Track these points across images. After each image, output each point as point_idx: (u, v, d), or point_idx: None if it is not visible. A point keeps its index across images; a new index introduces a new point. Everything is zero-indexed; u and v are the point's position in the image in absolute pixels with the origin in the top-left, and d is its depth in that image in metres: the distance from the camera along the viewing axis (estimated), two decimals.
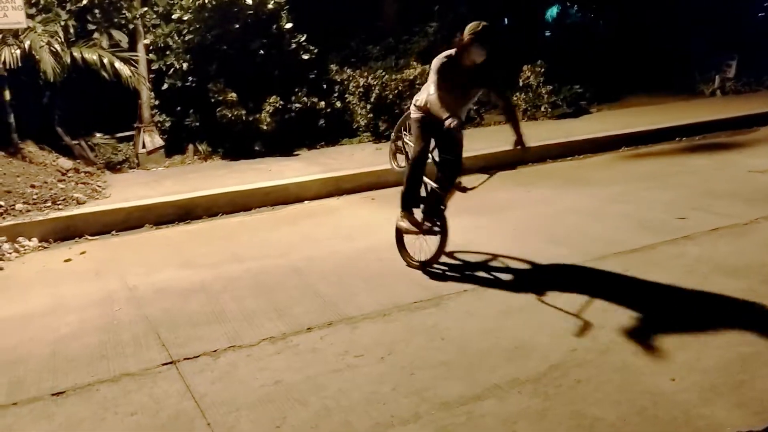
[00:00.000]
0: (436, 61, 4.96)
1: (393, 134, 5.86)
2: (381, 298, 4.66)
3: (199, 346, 4.11)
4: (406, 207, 5.24)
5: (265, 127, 9.71)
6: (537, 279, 4.90)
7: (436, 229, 5.17)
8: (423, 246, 5.25)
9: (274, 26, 10.29)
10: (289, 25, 10.39)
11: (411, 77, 10.67)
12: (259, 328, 4.33)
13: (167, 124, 10.21)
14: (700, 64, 13.73)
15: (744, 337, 3.76)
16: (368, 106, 10.39)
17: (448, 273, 5.12)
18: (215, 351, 4.03)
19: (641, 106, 12.29)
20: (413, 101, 5.27)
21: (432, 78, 4.91)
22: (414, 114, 5.20)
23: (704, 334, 3.83)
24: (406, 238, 5.40)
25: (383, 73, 10.65)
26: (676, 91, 13.44)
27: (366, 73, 10.71)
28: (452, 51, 4.99)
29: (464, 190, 5.21)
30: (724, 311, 4.14)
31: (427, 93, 4.94)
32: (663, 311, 4.20)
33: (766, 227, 5.67)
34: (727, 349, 3.63)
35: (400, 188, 5.25)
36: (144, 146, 9.69)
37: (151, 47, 10.18)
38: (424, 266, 5.21)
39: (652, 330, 3.93)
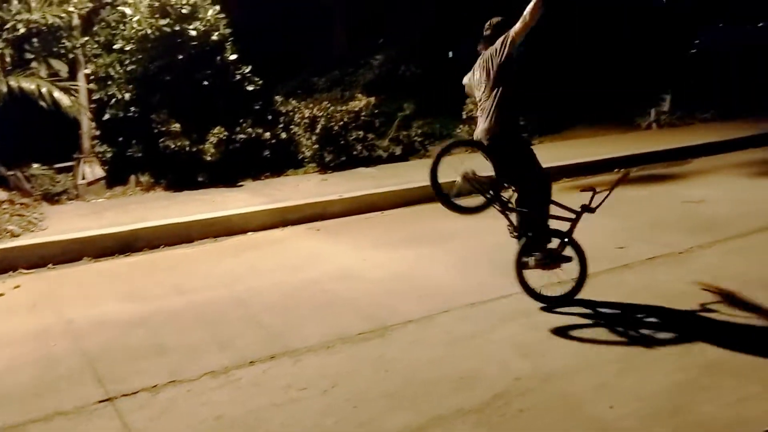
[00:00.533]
0: None
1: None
2: (326, 330, 4.62)
3: (137, 382, 3.99)
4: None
5: (209, 158, 9.62)
6: (483, 309, 4.93)
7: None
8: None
9: (219, 57, 10.26)
10: (233, 57, 10.37)
11: (357, 108, 10.76)
12: (201, 361, 4.23)
13: (109, 155, 10.01)
14: (637, 98, 14.21)
15: (682, 364, 3.85)
16: (314, 137, 10.40)
17: (393, 304, 5.11)
18: (155, 386, 3.92)
19: (582, 138, 12.63)
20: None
21: None
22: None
23: (644, 361, 3.91)
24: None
25: (329, 105, 10.70)
26: (615, 123, 13.86)
27: (312, 105, 10.75)
28: None
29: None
30: (662, 338, 4.23)
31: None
32: (603, 339, 4.27)
33: (701, 256, 5.86)
34: (666, 376, 3.71)
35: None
36: (84, 177, 9.47)
37: (92, 77, 10.02)
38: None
39: (593, 357, 3.99)
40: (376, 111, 11.44)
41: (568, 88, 15.96)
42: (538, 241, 4.88)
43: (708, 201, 7.83)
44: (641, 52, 17.01)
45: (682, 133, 12.81)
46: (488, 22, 5.04)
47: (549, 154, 10.65)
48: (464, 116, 11.77)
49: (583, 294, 5.06)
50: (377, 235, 7.29)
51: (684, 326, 4.38)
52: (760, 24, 19.74)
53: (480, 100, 4.96)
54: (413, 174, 9.66)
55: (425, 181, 8.93)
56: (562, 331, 4.40)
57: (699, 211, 7.42)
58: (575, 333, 4.37)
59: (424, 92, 13.58)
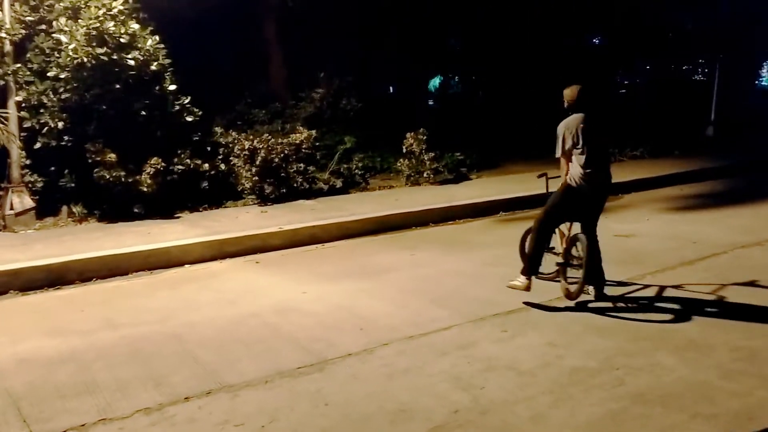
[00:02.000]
0: None
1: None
2: (264, 364, 4.56)
3: (65, 421, 3.84)
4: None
5: (145, 189, 9.43)
6: (422, 342, 4.95)
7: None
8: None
9: (158, 87, 10.13)
10: (172, 87, 10.25)
11: (297, 141, 10.76)
12: (134, 398, 4.11)
13: (39, 185, 9.70)
14: None
15: (614, 393, 3.94)
16: (254, 169, 10.33)
17: (332, 337, 5.08)
18: (83, 425, 3.78)
19: (518, 173, 12.89)
20: None
21: None
22: None
23: (578, 391, 3.99)
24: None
25: (269, 137, 10.67)
26: (550, 158, 14.18)
27: (252, 137, 10.70)
28: None
29: None
30: (596, 369, 4.33)
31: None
32: (540, 369, 4.34)
33: (631, 288, 6.04)
34: (599, 406, 3.80)
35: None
36: (12, 207, 9.13)
37: (23, 104, 9.74)
38: None
39: (530, 388, 4.06)
40: (317, 144, 11.47)
41: (506, 124, 16.44)
42: None
43: (638, 235, 8.10)
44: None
45: (613, 169, 13.14)
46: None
47: (488, 188, 10.90)
48: (404, 150, 11.91)
49: (519, 325, 5.17)
50: (317, 267, 7.26)
51: (615, 357, 4.49)
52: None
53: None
54: (354, 206, 9.71)
55: (366, 214, 9.09)
56: (500, 363, 4.46)
57: (629, 245, 7.66)
58: (513, 364, 4.43)
59: (365, 126, 13.72)
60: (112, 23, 9.42)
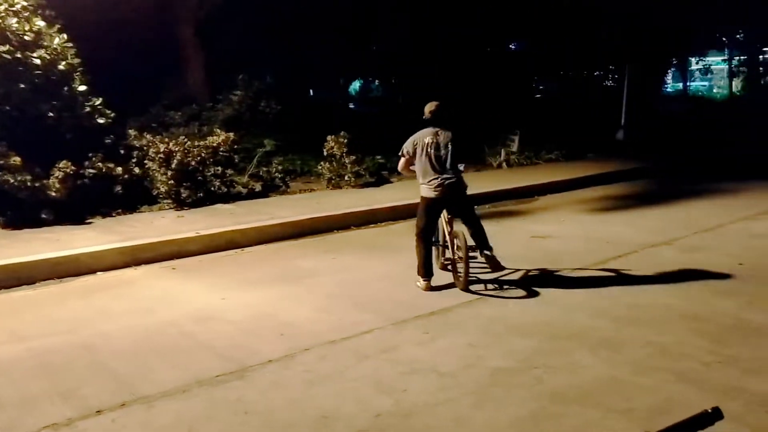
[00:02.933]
0: None
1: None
2: (181, 374, 4.42)
3: None
4: None
5: (54, 194, 9.03)
6: (343, 346, 4.91)
7: None
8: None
9: (67, 88, 9.74)
10: (83, 88, 9.88)
11: (215, 144, 10.55)
12: (41, 414, 3.90)
13: None
14: (488, 138, 14.93)
15: (533, 393, 4.01)
16: (170, 173, 10.05)
17: (253, 344, 4.98)
18: None
19: None
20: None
21: None
22: None
23: (499, 392, 4.04)
24: None
25: (186, 140, 10.41)
26: (468, 162, 14.43)
27: (167, 139, 10.42)
28: None
29: None
30: (516, 368, 4.39)
31: None
32: (461, 371, 4.37)
33: (548, 288, 6.18)
34: (520, 406, 3.85)
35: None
36: None
37: None
38: None
39: (452, 390, 4.08)
40: (236, 147, 11.28)
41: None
42: None
43: (554, 236, 8.31)
44: (492, 98, 18.02)
45: (530, 172, 13.60)
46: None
47: (409, 191, 10.94)
48: (325, 153, 11.85)
49: (440, 327, 5.20)
50: (237, 273, 7.12)
51: (534, 356, 4.57)
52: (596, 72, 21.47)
53: None
54: (274, 210, 9.59)
55: (287, 217, 8.98)
56: (422, 365, 4.46)
57: (546, 246, 7.85)
58: (435, 366, 4.44)
59: (286, 129, 13.59)
60: (15, 20, 9.01)
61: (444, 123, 6.39)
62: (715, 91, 37.81)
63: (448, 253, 6.38)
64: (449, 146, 6.25)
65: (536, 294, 5.99)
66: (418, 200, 10.11)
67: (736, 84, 31.09)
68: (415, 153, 6.31)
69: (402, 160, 6.51)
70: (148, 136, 10.64)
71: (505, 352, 4.66)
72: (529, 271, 6.71)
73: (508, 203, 10.89)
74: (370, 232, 9.16)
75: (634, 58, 18.65)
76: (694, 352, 4.55)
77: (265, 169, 11.67)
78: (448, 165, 6.23)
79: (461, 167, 6.33)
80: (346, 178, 11.77)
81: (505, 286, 6.21)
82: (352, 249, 8.07)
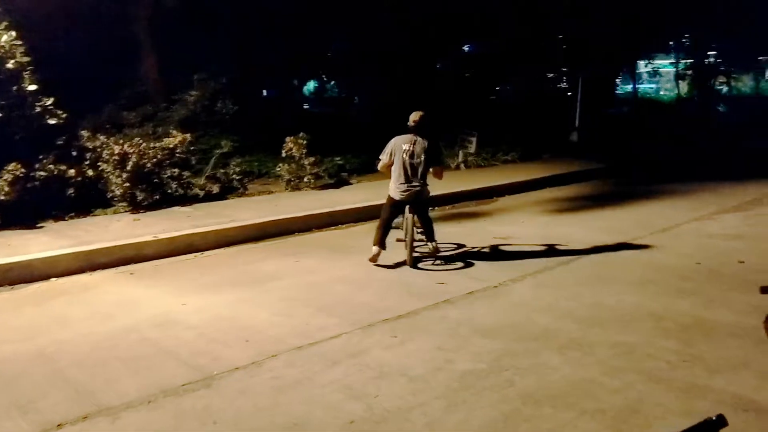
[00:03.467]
0: None
1: None
2: (145, 383, 4.29)
3: None
4: None
5: (3, 197, 8.72)
6: (311, 351, 4.84)
7: None
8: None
9: (15, 87, 9.42)
10: (33, 87, 9.57)
11: (171, 145, 10.34)
12: None
13: None
14: (448, 140, 14.98)
15: (504, 395, 4.01)
16: (125, 175, 9.81)
17: (218, 350, 4.87)
18: None
19: None
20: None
21: None
22: None
23: (469, 395, 4.03)
24: None
25: (141, 141, 10.17)
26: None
27: (122, 141, 10.17)
28: None
29: None
30: (485, 370, 4.39)
31: None
32: (431, 374, 4.35)
33: (514, 289, 6.22)
34: (491, 408, 3.85)
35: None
36: None
37: None
38: None
39: (423, 394, 4.05)
40: (192, 148, 11.08)
41: (384, 128, 16.56)
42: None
43: (515, 237, 8.37)
44: (449, 100, 18.13)
45: (488, 173, 13.69)
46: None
47: (370, 192, 10.92)
48: (284, 155, 11.72)
49: (408, 330, 5.18)
50: (197, 277, 6.97)
51: (503, 358, 4.58)
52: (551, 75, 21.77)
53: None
54: (233, 212, 9.44)
55: (246, 220, 8.87)
56: (392, 370, 4.43)
57: (508, 247, 7.90)
58: (404, 370, 4.41)
59: (243, 129, 13.41)
60: None
61: (424, 132, 7.16)
62: (662, 93, 38.76)
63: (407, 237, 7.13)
64: (423, 156, 7.07)
65: (500, 296, 6.01)
66: (379, 202, 10.14)
67: (683, 86, 31.91)
68: (393, 156, 7.17)
69: (381, 162, 7.30)
70: (101, 137, 10.36)
71: (474, 355, 4.66)
72: (492, 272, 6.74)
73: (468, 204, 10.95)
74: (331, 234, 9.09)
75: (587, 61, 18.98)
76: (660, 352, 4.62)
77: (222, 170, 11.49)
78: (418, 174, 7.08)
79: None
80: (305, 179, 11.67)
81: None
82: (313, 251, 7.99)
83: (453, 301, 5.86)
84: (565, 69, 23.35)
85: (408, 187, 7.06)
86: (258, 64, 17.41)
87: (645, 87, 38.62)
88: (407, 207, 7.12)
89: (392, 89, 19.46)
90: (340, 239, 8.72)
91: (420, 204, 7.18)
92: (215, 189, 10.93)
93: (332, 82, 25.22)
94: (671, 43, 28.60)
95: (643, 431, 3.58)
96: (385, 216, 7.24)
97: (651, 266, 6.88)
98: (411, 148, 7.10)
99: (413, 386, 4.18)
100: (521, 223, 9.33)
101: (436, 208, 10.54)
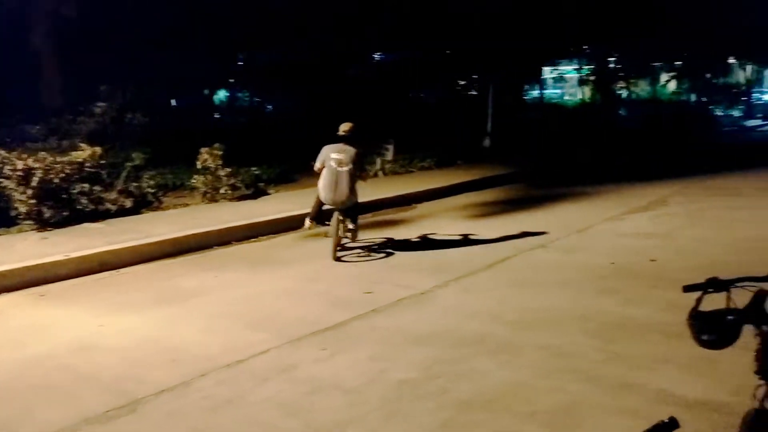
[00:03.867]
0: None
1: None
2: (67, 412, 4.06)
3: None
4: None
5: None
6: (241, 369, 4.71)
7: None
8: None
9: None
10: None
11: (80, 159, 9.89)
12: None
13: None
14: (363, 147, 15.00)
15: (440, 402, 4.02)
16: (30, 192, 9.29)
17: (142, 373, 4.67)
18: None
19: (315, 187, 12.93)
20: None
21: None
22: None
23: (406, 405, 4.02)
24: None
25: (46, 155, 9.69)
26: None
27: (26, 155, 9.64)
28: None
29: None
30: (420, 379, 4.39)
31: None
32: (366, 386, 4.31)
33: (440, 295, 6.27)
34: (429, 417, 3.85)
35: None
36: None
37: None
38: None
39: (360, 407, 4.01)
40: (103, 161, 10.64)
41: (299, 138, 16.54)
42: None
43: (438, 244, 8.45)
44: (364, 107, 18.20)
45: (406, 180, 13.80)
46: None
47: (288, 202, 10.79)
48: (199, 166, 11.43)
49: (338, 342, 5.13)
50: (114, 297, 6.67)
51: (436, 365, 4.60)
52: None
53: None
54: (148, 228, 9.11)
55: (162, 235, 8.60)
56: (325, 383, 4.37)
57: (431, 253, 7.97)
58: (338, 383, 4.36)
59: (154, 141, 13.01)
60: None
61: (353, 141, 7.89)
62: (566, 98, 40.18)
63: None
64: (349, 165, 7.71)
65: (429, 302, 6.05)
66: (298, 212, 10.08)
67: (586, 91, 33.13)
68: (324, 163, 7.81)
69: (316, 167, 7.94)
70: (2, 152, 9.80)
71: (407, 364, 4.66)
72: (420, 278, 6.77)
73: (388, 212, 10.99)
74: (251, 246, 8.91)
75: (496, 68, 19.46)
76: (587, 351, 4.75)
77: (135, 184, 11.07)
78: (344, 183, 7.69)
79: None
80: (222, 191, 11.41)
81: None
82: (234, 265, 7.82)
83: (381, 310, 5.85)
84: (475, 76, 23.87)
85: (334, 196, 7.69)
86: (165, 74, 16.94)
87: (550, 92, 39.94)
88: (335, 213, 7.76)
89: (305, 97, 19.39)
90: (262, 251, 8.57)
91: (347, 209, 7.81)
92: (128, 203, 10.52)
93: (244, 92, 24.84)
94: (572, 49, 29.65)
95: (576, 431, 3.66)
96: (314, 213, 8.18)
97: (570, 267, 7.09)
98: (339, 157, 7.74)
99: (348, 399, 4.14)
100: (442, 229, 9.42)
101: (359, 216, 10.52)
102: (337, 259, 7.66)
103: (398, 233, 9.27)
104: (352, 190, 7.77)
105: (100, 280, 7.39)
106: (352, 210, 7.93)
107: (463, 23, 19.40)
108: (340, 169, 7.70)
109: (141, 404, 4.17)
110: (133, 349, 5.15)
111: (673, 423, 1.42)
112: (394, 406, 4.01)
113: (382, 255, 7.98)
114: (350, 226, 7.88)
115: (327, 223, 8.04)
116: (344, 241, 8.03)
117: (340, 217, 7.76)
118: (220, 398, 4.22)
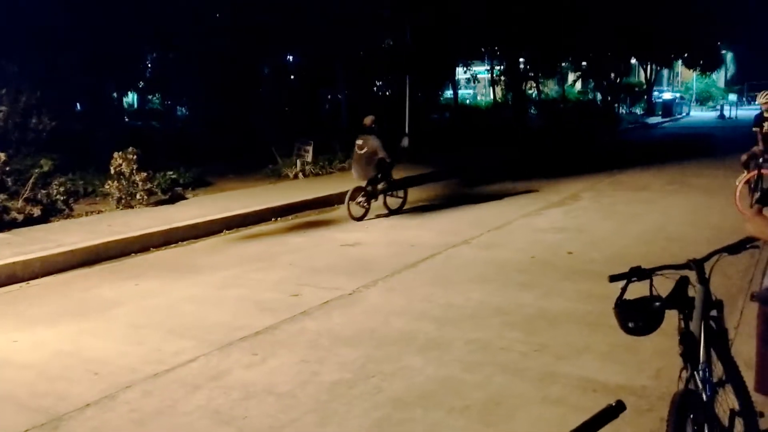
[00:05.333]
0: None
1: None
2: None
3: None
4: None
5: None
6: (169, 378, 4.59)
7: None
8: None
9: None
10: None
11: None
12: None
13: None
14: (282, 149, 14.90)
15: (375, 402, 4.05)
16: None
17: (62, 388, 4.49)
18: None
19: (235, 190, 12.75)
20: None
21: None
22: None
23: (341, 405, 4.02)
24: None
25: None
26: (263, 174, 14.34)
27: None
28: None
29: None
30: (352, 380, 4.40)
31: None
32: (298, 390, 4.29)
33: (367, 295, 6.30)
34: (364, 417, 3.88)
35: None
36: None
37: None
38: None
39: (293, 410, 3.99)
40: (7, 168, 10.14)
41: (212, 141, 16.27)
42: None
43: (362, 243, 8.50)
44: (281, 108, 18.06)
45: (326, 181, 13.78)
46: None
47: (207, 206, 10.58)
48: (113, 171, 11.04)
49: (268, 346, 5.08)
50: (25, 311, 6.36)
51: (368, 365, 4.62)
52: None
53: None
54: (60, 237, 8.74)
55: (75, 244, 8.28)
56: (257, 389, 4.32)
57: (356, 254, 8.00)
58: (271, 388, 4.32)
59: (61, 147, 12.46)
60: None
61: (374, 132, 10.20)
62: (479, 98, 41.09)
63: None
64: (365, 149, 10.13)
65: (355, 303, 6.07)
66: (217, 216, 9.95)
67: (498, 91, 33.97)
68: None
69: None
70: None
71: (339, 365, 4.66)
72: (342, 281, 6.78)
73: (311, 213, 10.94)
74: (171, 252, 8.69)
75: (411, 69, 19.66)
76: (510, 344, 4.88)
77: (44, 191, 10.58)
78: (363, 162, 10.20)
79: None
80: (137, 196, 11.06)
81: None
82: (154, 272, 7.60)
83: (309, 313, 5.82)
84: (390, 77, 24.06)
85: (357, 174, 10.38)
86: (66, 76, 16.20)
87: (463, 93, 40.71)
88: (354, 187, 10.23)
89: (217, 99, 19.03)
90: (181, 258, 8.36)
91: (369, 180, 10.24)
92: (36, 212, 10.04)
93: (156, 95, 24.17)
94: (483, 49, 30.30)
95: (508, 422, 3.76)
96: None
97: (491, 263, 7.26)
98: (360, 143, 10.19)
99: (282, 403, 4.11)
100: (366, 229, 9.47)
101: (279, 219, 10.45)
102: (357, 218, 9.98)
103: (322, 234, 9.25)
104: (372, 167, 10.12)
105: (9, 293, 7.02)
106: (374, 181, 10.26)
107: (377, 23, 19.54)
108: (360, 152, 10.16)
109: (63, 421, 4.00)
110: (51, 364, 4.93)
111: (620, 406, 1.49)
112: (328, 408, 4.01)
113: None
114: (380, 186, 10.32)
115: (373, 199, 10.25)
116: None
117: (363, 187, 10.21)
118: (149, 410, 4.11)
